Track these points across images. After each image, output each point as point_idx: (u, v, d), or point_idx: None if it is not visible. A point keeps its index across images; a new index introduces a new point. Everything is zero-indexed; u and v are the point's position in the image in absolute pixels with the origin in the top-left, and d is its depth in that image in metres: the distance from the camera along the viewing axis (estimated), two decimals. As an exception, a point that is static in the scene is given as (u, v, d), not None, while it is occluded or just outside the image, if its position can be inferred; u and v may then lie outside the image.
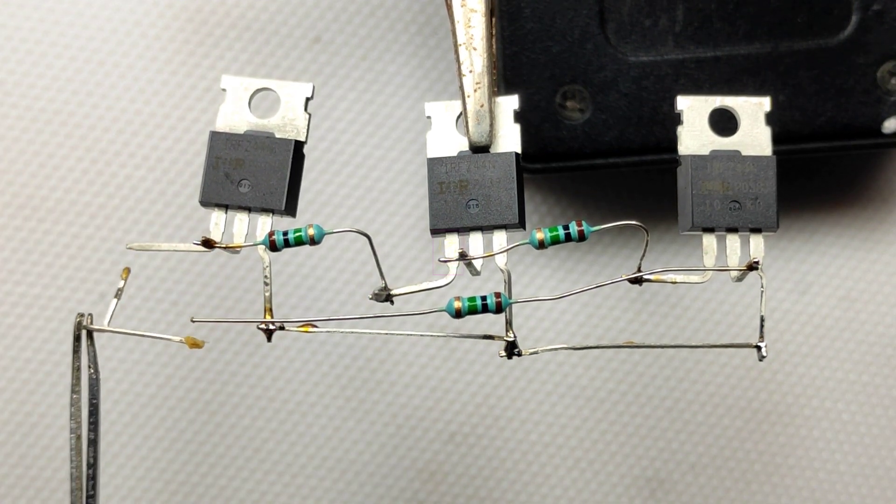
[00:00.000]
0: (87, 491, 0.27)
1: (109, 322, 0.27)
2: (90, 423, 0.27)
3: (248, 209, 0.27)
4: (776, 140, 0.28)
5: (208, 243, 0.27)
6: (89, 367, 0.27)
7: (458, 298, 0.27)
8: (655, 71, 0.35)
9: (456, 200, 0.27)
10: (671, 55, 0.35)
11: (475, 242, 0.27)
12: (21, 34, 0.39)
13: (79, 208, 0.39)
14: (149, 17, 0.39)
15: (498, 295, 0.27)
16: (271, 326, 0.27)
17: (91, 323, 0.27)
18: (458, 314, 0.27)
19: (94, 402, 0.27)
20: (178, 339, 0.27)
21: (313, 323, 0.27)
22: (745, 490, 0.40)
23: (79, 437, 0.27)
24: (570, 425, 0.40)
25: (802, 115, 0.35)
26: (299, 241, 0.27)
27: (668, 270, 0.27)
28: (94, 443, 0.27)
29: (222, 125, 0.28)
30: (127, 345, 0.39)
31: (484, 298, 0.27)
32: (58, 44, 0.39)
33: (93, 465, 0.27)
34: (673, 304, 0.39)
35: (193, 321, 0.27)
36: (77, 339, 0.27)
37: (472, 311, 0.27)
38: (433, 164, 0.27)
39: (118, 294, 0.27)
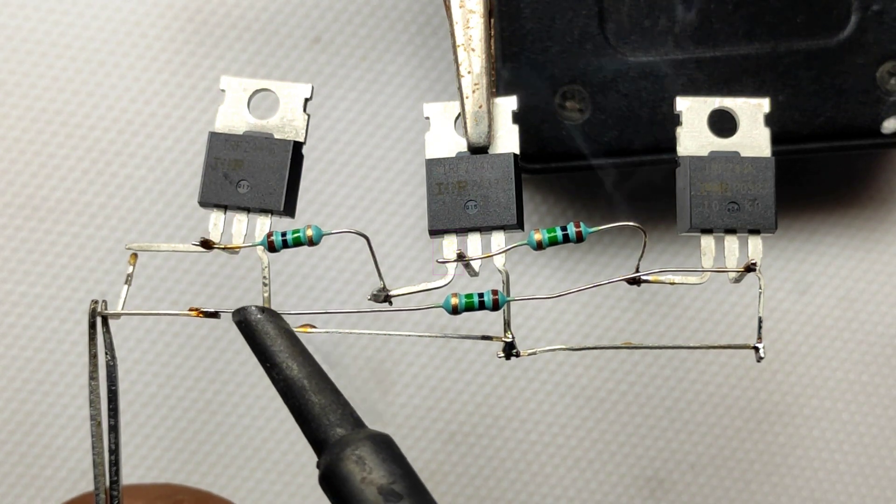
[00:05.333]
0: (111, 477, 0.27)
1: (122, 308, 0.27)
2: (110, 410, 0.27)
3: (247, 210, 0.27)
4: (776, 140, 0.28)
5: (207, 244, 0.27)
6: (106, 353, 0.27)
7: (455, 295, 0.27)
8: (655, 71, 0.35)
9: (454, 201, 0.27)
10: (670, 55, 0.35)
11: (473, 243, 0.27)
12: (21, 34, 0.39)
13: (79, 208, 0.39)
14: (149, 18, 0.39)
15: (495, 292, 0.27)
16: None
17: (105, 308, 0.27)
18: (454, 311, 0.27)
19: (113, 388, 0.27)
20: (193, 313, 0.27)
21: (312, 323, 0.28)
22: (745, 490, 0.40)
23: (99, 424, 0.27)
24: (570, 425, 0.40)
25: (802, 116, 0.35)
26: (298, 242, 0.27)
27: (666, 271, 0.27)
28: (114, 429, 0.27)
29: (221, 126, 0.28)
30: (127, 344, 0.39)
31: (481, 296, 0.27)
32: (58, 44, 0.39)
33: (115, 452, 0.27)
34: (672, 305, 0.39)
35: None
36: (92, 325, 0.27)
37: (470, 307, 0.27)
38: (431, 164, 0.27)
39: (128, 280, 0.27)
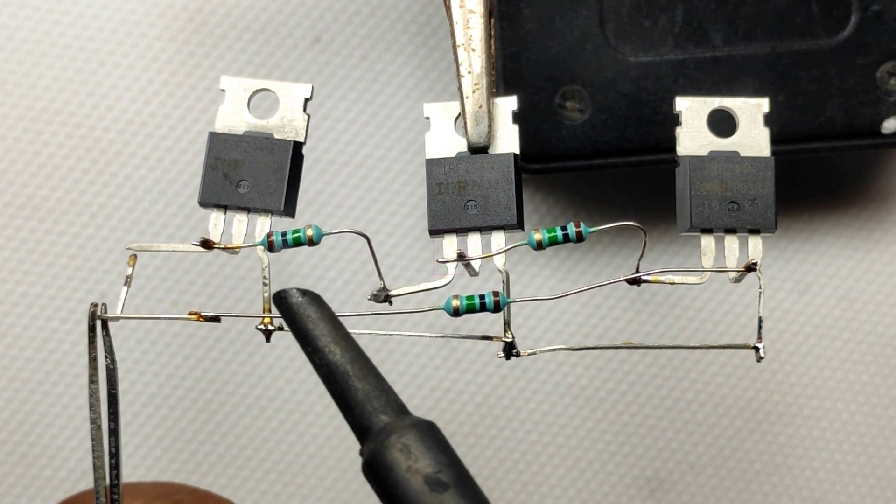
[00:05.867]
0: (111, 480, 0.27)
1: (122, 310, 0.27)
2: (110, 413, 0.27)
3: (247, 210, 0.27)
4: (776, 140, 0.28)
5: (207, 244, 0.27)
6: (105, 356, 0.27)
7: (456, 297, 0.27)
8: (655, 71, 0.35)
9: (454, 201, 0.27)
10: (670, 56, 0.35)
11: (474, 243, 0.27)
12: (21, 34, 0.39)
13: (79, 208, 0.39)
14: (149, 17, 0.39)
15: (496, 294, 0.27)
16: (270, 327, 0.27)
17: (105, 312, 0.27)
18: (456, 312, 0.27)
19: (113, 391, 0.27)
20: (194, 317, 0.27)
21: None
22: (745, 490, 0.40)
23: (99, 427, 0.27)
24: (570, 425, 0.40)
25: (802, 115, 0.35)
26: (298, 242, 0.27)
27: (666, 271, 0.27)
28: (114, 432, 0.27)
29: (221, 126, 0.28)
30: (127, 344, 0.39)
31: (482, 297, 0.27)
32: (58, 44, 0.39)
33: (115, 455, 0.27)
34: (672, 305, 0.39)
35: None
36: (92, 329, 0.27)
37: (471, 309, 0.27)
38: (432, 164, 0.27)
39: (127, 282, 0.27)
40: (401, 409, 0.23)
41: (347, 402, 0.23)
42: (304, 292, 0.24)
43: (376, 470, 0.22)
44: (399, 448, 0.22)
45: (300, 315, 0.24)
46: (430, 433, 0.22)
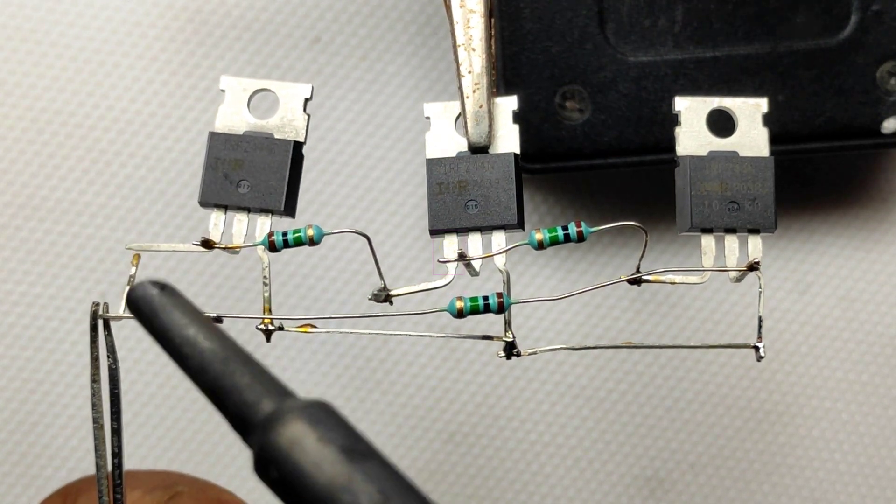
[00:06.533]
0: (114, 480, 0.27)
1: (124, 310, 0.27)
2: (112, 413, 0.27)
3: (248, 210, 0.27)
4: (775, 140, 0.28)
5: (207, 244, 0.27)
6: (108, 356, 0.27)
7: (459, 298, 0.27)
8: (654, 71, 0.35)
9: (455, 201, 0.27)
10: (670, 55, 0.35)
11: (474, 243, 0.27)
12: (21, 34, 0.39)
13: (79, 208, 0.39)
14: (149, 17, 0.39)
15: (500, 295, 0.27)
16: (270, 327, 0.27)
17: (106, 311, 0.27)
18: (459, 314, 0.27)
19: (115, 391, 0.27)
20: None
21: (313, 323, 0.28)
22: (745, 490, 0.40)
23: (101, 427, 0.27)
24: (569, 425, 0.40)
25: (802, 115, 0.35)
26: (298, 242, 0.27)
27: (666, 271, 0.27)
28: (117, 432, 0.27)
29: (221, 126, 0.28)
30: (128, 343, 0.39)
31: (486, 298, 0.27)
32: (58, 44, 0.39)
33: (118, 455, 0.27)
34: (672, 305, 0.39)
35: None
36: (93, 328, 0.27)
37: (475, 310, 0.27)
38: (432, 164, 0.27)
39: (130, 281, 0.27)
40: (289, 393, 0.20)
41: (232, 387, 0.20)
42: (163, 285, 0.21)
43: (277, 453, 0.18)
44: (306, 419, 0.19)
45: (163, 307, 0.21)
46: (333, 411, 0.20)
